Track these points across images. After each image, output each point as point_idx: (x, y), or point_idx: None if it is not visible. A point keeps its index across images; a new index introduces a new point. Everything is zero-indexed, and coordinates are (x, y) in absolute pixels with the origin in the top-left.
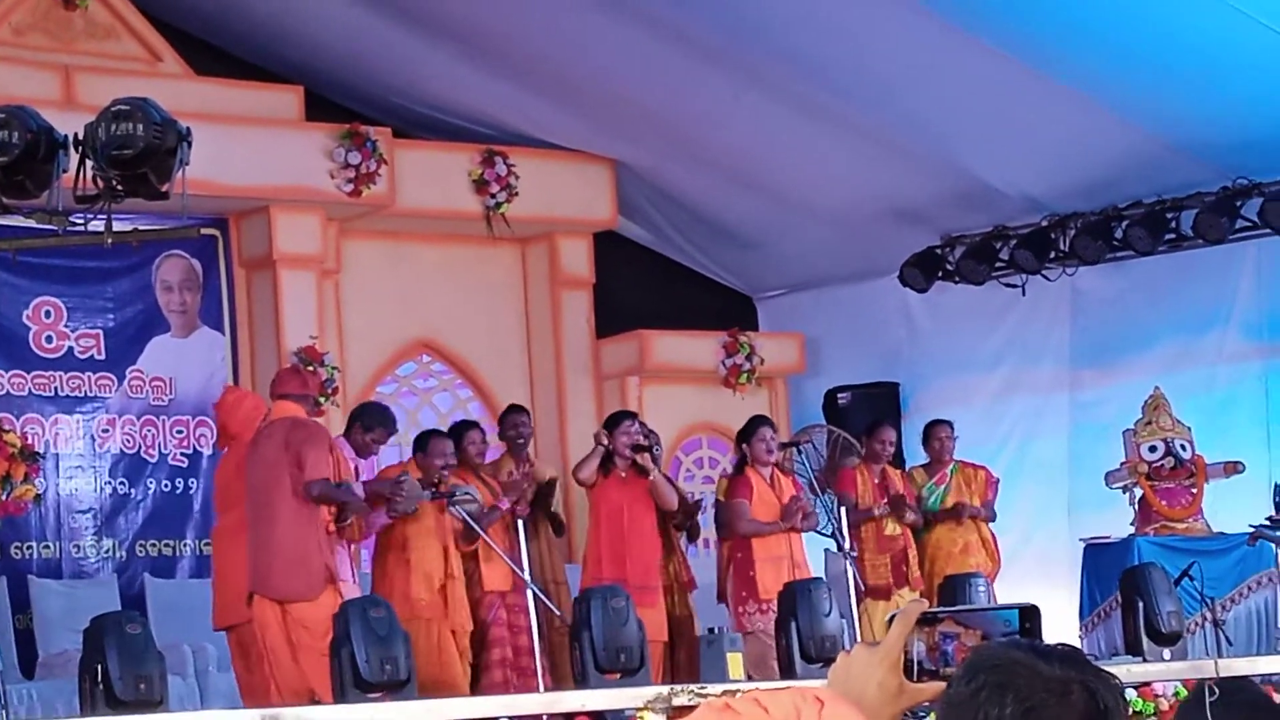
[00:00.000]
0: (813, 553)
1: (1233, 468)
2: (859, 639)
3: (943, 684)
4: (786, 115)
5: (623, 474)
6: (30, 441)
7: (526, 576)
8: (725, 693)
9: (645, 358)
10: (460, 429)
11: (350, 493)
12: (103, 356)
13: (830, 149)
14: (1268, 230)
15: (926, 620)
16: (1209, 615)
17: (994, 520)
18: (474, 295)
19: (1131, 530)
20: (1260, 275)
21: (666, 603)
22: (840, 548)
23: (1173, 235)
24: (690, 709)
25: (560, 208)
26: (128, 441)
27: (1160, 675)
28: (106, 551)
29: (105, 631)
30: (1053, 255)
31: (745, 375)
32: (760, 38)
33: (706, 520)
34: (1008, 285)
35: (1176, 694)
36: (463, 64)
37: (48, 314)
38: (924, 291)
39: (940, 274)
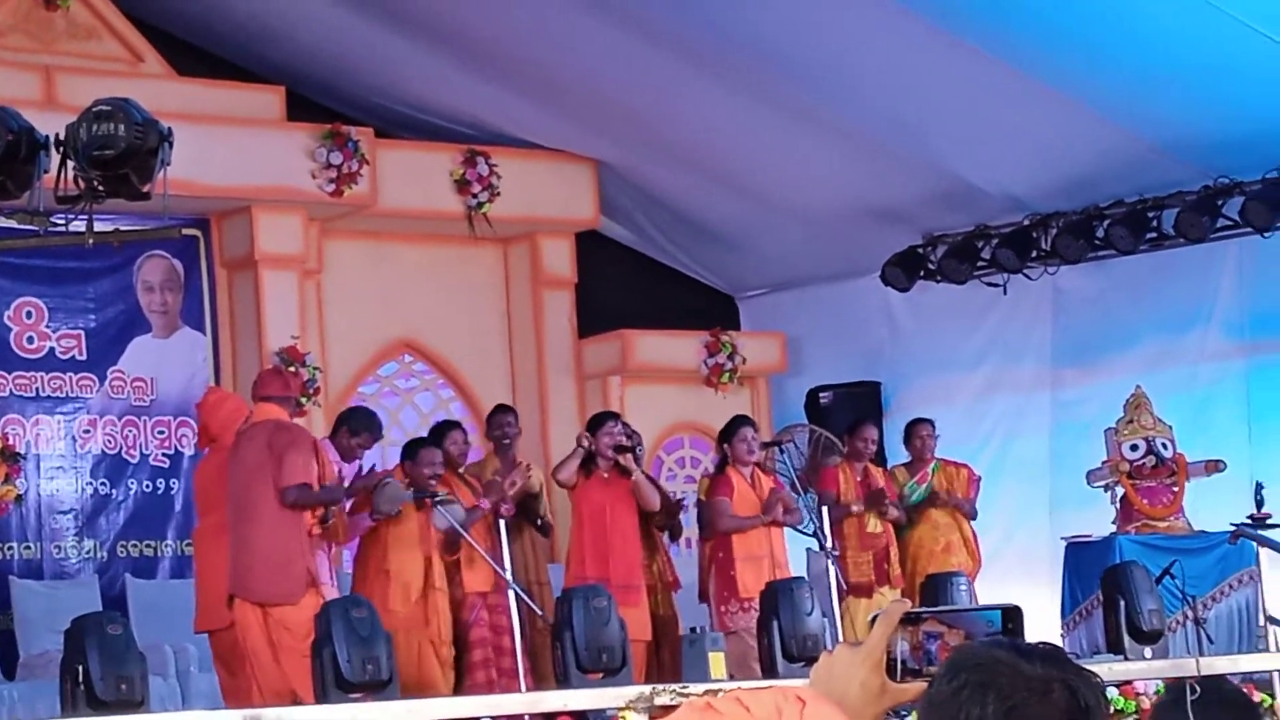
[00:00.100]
0: (794, 552)
1: (1214, 466)
2: (841, 638)
3: (925, 684)
4: (769, 115)
5: (605, 474)
6: (11, 442)
7: (509, 577)
8: (707, 692)
9: (627, 357)
10: (442, 429)
11: (327, 491)
12: (84, 357)
13: (812, 149)
14: (1249, 229)
15: (910, 620)
16: (1190, 614)
17: (975, 518)
18: (456, 295)
19: (1113, 529)
20: (1241, 274)
21: (650, 602)
22: (822, 547)
23: (1154, 234)
24: (672, 708)
25: (542, 208)
26: (109, 442)
27: (1142, 674)
28: (88, 552)
29: (86, 632)
30: (1034, 254)
31: (727, 375)
32: (742, 38)
33: (689, 520)
34: (989, 284)
35: (1158, 692)
36: (444, 64)
37: (29, 314)
38: (906, 291)
39: (922, 273)
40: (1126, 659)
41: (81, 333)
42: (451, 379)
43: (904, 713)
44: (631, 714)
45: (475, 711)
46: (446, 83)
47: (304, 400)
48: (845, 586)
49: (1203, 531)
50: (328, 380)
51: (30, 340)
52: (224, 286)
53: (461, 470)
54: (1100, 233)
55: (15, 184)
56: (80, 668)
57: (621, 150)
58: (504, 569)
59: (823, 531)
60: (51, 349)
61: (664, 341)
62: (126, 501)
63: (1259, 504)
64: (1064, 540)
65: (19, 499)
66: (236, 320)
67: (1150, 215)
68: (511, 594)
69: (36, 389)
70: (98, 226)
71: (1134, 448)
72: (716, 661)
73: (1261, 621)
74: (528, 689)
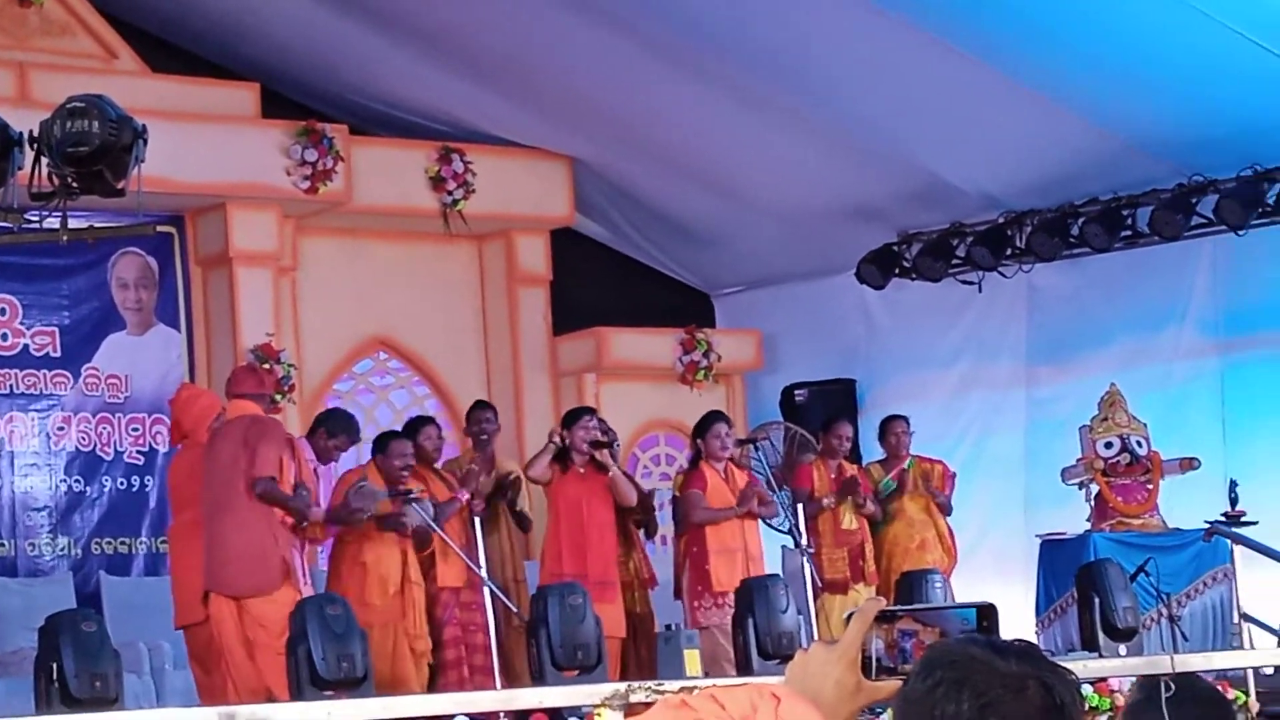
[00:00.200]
0: (770, 550)
1: (1188, 464)
2: (816, 635)
3: (900, 681)
4: (744, 112)
5: (581, 470)
6: None
7: (483, 573)
8: (683, 690)
9: (603, 355)
10: (416, 424)
11: (293, 498)
12: (58, 354)
13: (787, 146)
14: (1223, 227)
15: (885, 617)
16: (1165, 611)
17: (950, 513)
18: (431, 292)
19: (1087, 526)
20: (1215, 272)
21: (626, 599)
22: (797, 544)
23: (1129, 232)
24: (647, 705)
25: (517, 205)
26: (83, 439)
27: (1116, 671)
28: (62, 549)
29: (60, 629)
30: (1009, 252)
31: (703, 372)
32: (718, 36)
33: (664, 517)
34: (964, 282)
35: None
36: (420, 61)
37: (2, 311)
38: (881, 288)
39: (897, 271)
40: (1101, 656)
41: (56, 330)
42: (426, 376)
43: (879, 710)
44: (607, 711)
45: (450, 709)
46: (421, 80)
47: (279, 397)
48: (820, 583)
49: (1177, 529)
50: (302, 377)
51: (4, 337)
52: (199, 284)
53: (438, 466)
54: (1075, 231)
55: None
56: (55, 665)
57: (597, 147)
58: (479, 565)
59: (798, 528)
60: (26, 346)
61: (639, 339)
62: (101, 499)
63: (1233, 502)
64: (1039, 538)
65: None
66: (211, 317)
67: (1125, 213)
68: (486, 591)
69: (10, 386)
70: (72, 223)
71: (1109, 445)
72: (692, 659)
73: (1235, 619)
74: (500, 687)
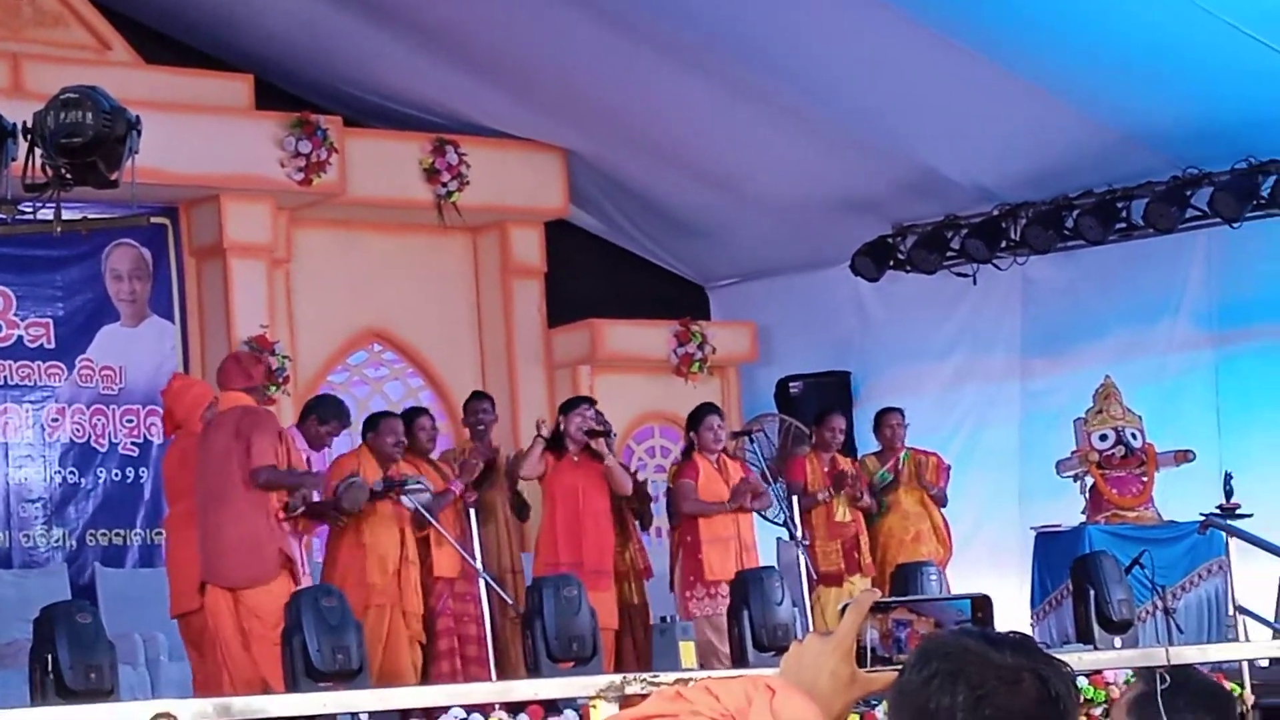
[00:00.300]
0: (765, 542)
1: (1183, 456)
2: (811, 627)
3: (894, 672)
4: (738, 105)
5: (575, 458)
6: None
7: (478, 564)
8: (678, 681)
9: (597, 347)
10: (411, 415)
11: (299, 474)
12: (52, 345)
13: (782, 138)
14: (1217, 220)
15: (880, 608)
16: (1160, 603)
17: (945, 505)
18: (425, 284)
19: (1082, 518)
20: (1210, 264)
21: (623, 590)
22: (792, 536)
23: (1123, 225)
24: (642, 698)
25: (511, 197)
26: (77, 431)
27: (1111, 663)
28: (56, 541)
29: (55, 621)
30: (1004, 244)
31: (697, 364)
32: (712, 28)
33: (659, 510)
34: (959, 274)
35: (1127, 681)
36: (413, 53)
37: None
38: (875, 281)
39: (892, 263)
40: (1096, 648)
41: (50, 321)
42: (421, 368)
43: (874, 701)
44: (602, 703)
45: (445, 700)
46: (415, 71)
47: (272, 388)
48: (815, 576)
49: (1172, 521)
50: (297, 369)
51: None
52: (192, 275)
53: (434, 457)
54: (1069, 223)
55: None
56: (49, 657)
57: (591, 139)
58: (473, 557)
59: (793, 521)
60: (19, 337)
61: (634, 331)
62: (95, 490)
63: (1228, 494)
64: (1033, 530)
65: None
66: (205, 309)
67: (1119, 206)
68: (481, 582)
69: (4, 377)
70: (65, 215)
71: (1103, 438)
72: (687, 650)
73: (1230, 611)
74: (495, 679)
